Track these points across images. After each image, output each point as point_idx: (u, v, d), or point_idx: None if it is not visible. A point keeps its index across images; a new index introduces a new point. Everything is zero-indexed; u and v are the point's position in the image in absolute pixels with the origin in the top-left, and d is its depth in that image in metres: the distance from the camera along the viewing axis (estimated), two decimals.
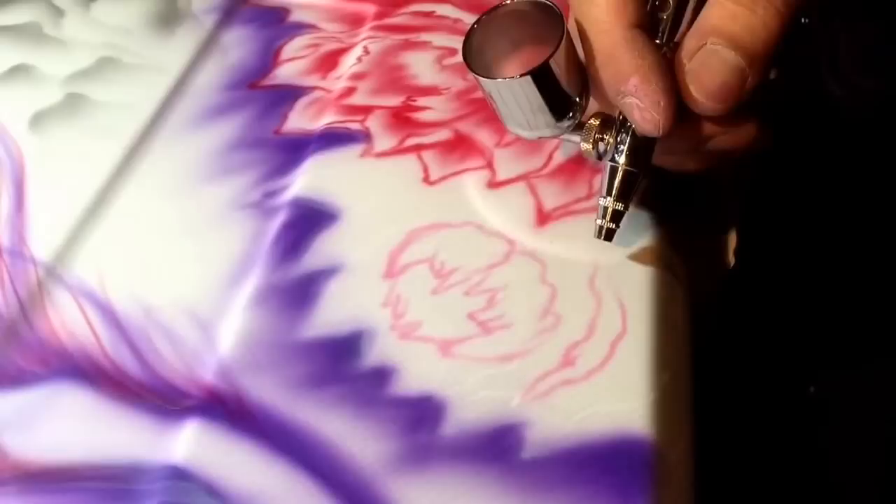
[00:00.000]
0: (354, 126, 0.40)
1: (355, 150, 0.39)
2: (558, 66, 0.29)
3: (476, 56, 0.30)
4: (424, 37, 0.45)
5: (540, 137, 0.32)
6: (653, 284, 0.33)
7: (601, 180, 0.32)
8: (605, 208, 0.31)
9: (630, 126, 0.30)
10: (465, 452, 0.29)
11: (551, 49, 0.28)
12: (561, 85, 0.29)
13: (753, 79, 0.28)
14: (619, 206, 0.31)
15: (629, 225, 0.35)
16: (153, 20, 0.48)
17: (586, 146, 0.31)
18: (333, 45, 0.46)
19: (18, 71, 0.45)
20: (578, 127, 0.31)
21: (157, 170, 0.40)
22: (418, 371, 0.31)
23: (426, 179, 0.38)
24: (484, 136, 0.39)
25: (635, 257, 0.34)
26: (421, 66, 0.43)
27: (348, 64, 0.44)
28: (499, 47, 0.31)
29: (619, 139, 0.31)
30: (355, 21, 0.47)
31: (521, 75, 0.29)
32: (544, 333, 0.32)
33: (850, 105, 0.44)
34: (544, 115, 0.30)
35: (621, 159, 0.30)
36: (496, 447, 0.29)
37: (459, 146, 0.39)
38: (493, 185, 0.37)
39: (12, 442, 0.31)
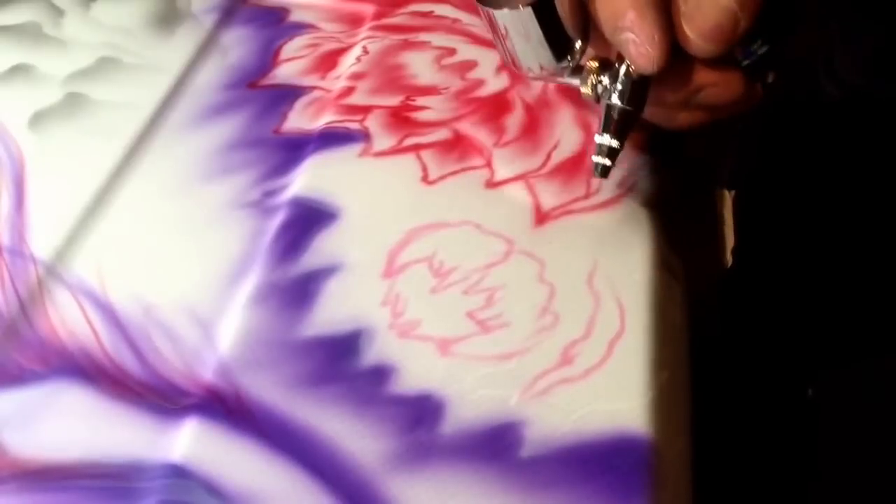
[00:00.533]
0: (353, 126, 0.40)
1: (354, 149, 0.39)
2: (561, 3, 0.31)
3: None
4: (423, 37, 0.45)
5: (538, 76, 0.34)
6: (651, 283, 0.33)
7: (599, 120, 0.33)
8: (601, 145, 0.33)
9: (627, 67, 0.31)
10: (463, 451, 0.29)
11: None
12: (561, 23, 0.31)
13: (745, 22, 0.29)
14: (615, 143, 0.32)
15: (627, 223, 0.35)
16: (153, 20, 0.48)
17: (585, 89, 0.33)
18: (333, 45, 0.46)
19: (18, 70, 0.45)
20: (577, 70, 0.33)
21: (156, 169, 0.40)
22: (417, 370, 0.31)
23: (425, 179, 0.38)
24: (483, 136, 0.39)
25: (634, 256, 0.34)
26: (420, 66, 0.44)
27: (347, 64, 0.44)
28: None
29: (615, 79, 0.32)
30: (354, 21, 0.48)
31: (524, 5, 0.30)
32: (543, 332, 0.32)
33: (847, 106, 0.44)
34: (545, 52, 0.32)
35: (617, 98, 0.32)
36: (495, 446, 0.29)
37: (458, 146, 0.39)
38: (492, 184, 0.37)
39: (12, 440, 0.31)
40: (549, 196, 0.37)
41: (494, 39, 0.33)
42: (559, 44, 0.32)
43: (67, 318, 0.34)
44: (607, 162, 0.33)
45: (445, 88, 0.42)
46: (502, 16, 0.31)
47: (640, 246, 0.35)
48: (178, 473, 0.29)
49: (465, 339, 0.32)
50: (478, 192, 0.37)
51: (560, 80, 0.34)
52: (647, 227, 0.35)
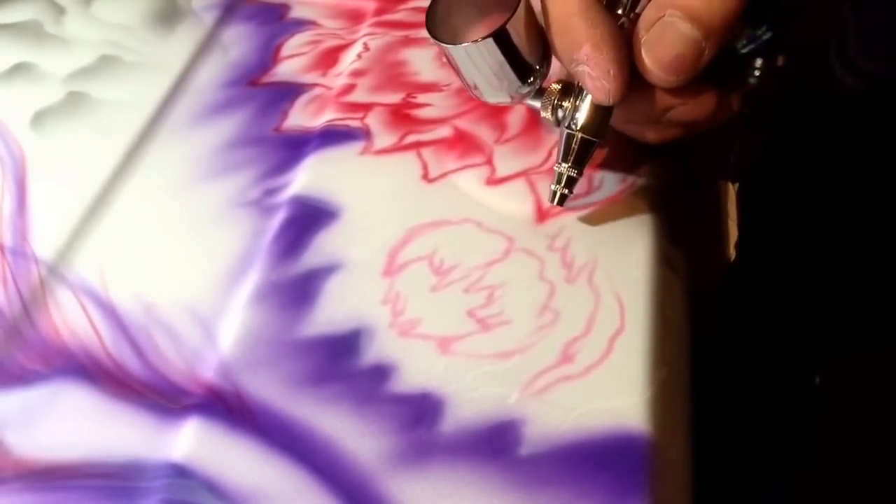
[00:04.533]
0: (354, 123, 0.40)
1: (355, 147, 0.39)
2: (516, 31, 0.30)
3: (441, 24, 0.32)
4: (424, 33, 0.45)
5: (501, 103, 0.34)
6: (651, 280, 0.33)
7: (558, 146, 0.33)
8: (560, 174, 0.33)
9: (587, 93, 0.31)
10: (463, 449, 0.29)
11: (509, 14, 0.30)
12: (519, 50, 0.31)
13: (710, 52, 0.29)
14: (573, 173, 0.32)
15: (627, 220, 0.35)
16: (153, 18, 0.48)
17: (545, 113, 0.33)
18: (333, 42, 0.46)
19: (20, 69, 0.45)
20: (540, 93, 0.33)
21: (157, 168, 0.40)
22: (417, 368, 0.31)
23: (425, 177, 0.38)
24: (483, 133, 0.39)
25: (633, 253, 0.34)
26: (421, 63, 0.43)
27: (348, 61, 0.44)
28: (464, 15, 0.32)
29: (576, 106, 0.32)
30: (355, 17, 0.47)
31: (480, 39, 0.30)
32: (543, 330, 0.32)
33: (858, 91, 0.44)
34: (504, 80, 0.32)
35: (577, 126, 0.32)
36: (495, 444, 0.29)
37: (459, 143, 0.39)
38: (493, 181, 0.37)
39: (15, 440, 0.31)
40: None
41: (454, 72, 0.33)
42: (520, 70, 0.31)
43: (69, 318, 0.35)
44: (566, 191, 0.33)
45: (447, 85, 0.42)
46: (461, 49, 0.30)
47: (640, 242, 0.34)
48: (180, 473, 0.29)
49: (465, 338, 0.32)
50: (478, 190, 0.37)
51: (524, 102, 0.33)
52: (648, 223, 0.35)
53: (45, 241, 0.37)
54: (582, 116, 0.31)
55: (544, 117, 0.33)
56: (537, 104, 0.33)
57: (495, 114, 0.40)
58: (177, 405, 0.32)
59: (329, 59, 0.45)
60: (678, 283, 0.35)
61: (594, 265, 0.34)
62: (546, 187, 0.37)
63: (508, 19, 0.29)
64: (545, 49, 0.32)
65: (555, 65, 0.33)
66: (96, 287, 0.36)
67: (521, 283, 0.34)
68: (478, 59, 0.31)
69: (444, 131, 0.40)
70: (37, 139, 0.42)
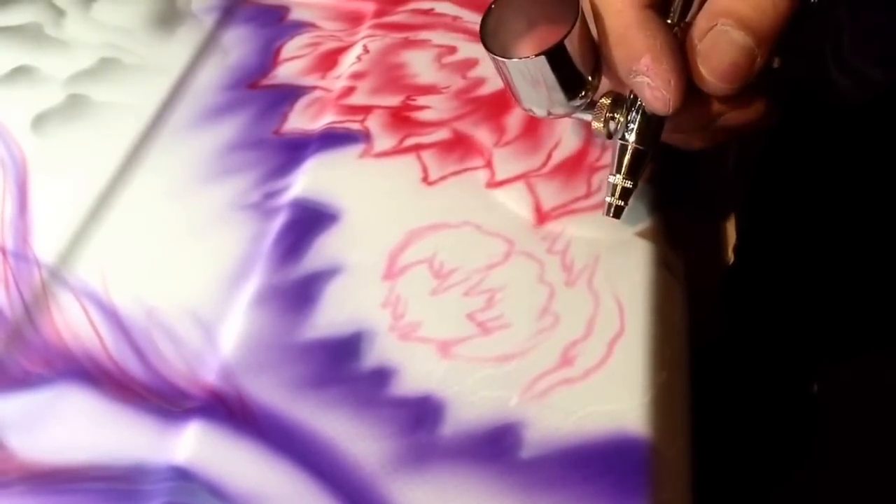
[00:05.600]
0: (354, 126, 0.40)
1: (355, 150, 0.39)
2: (572, 46, 0.30)
3: (492, 36, 0.31)
4: (423, 35, 0.45)
5: (552, 116, 0.33)
6: (650, 283, 0.33)
7: (611, 158, 0.32)
8: (615, 185, 0.32)
9: (640, 105, 0.31)
10: (463, 452, 0.29)
11: (566, 29, 0.29)
12: (574, 65, 0.30)
13: (762, 59, 0.28)
14: (628, 184, 0.32)
15: (626, 223, 0.35)
16: (153, 20, 0.48)
17: (597, 125, 0.32)
18: (333, 44, 0.46)
19: (20, 72, 0.45)
20: (590, 106, 0.32)
21: (157, 171, 0.40)
22: (418, 371, 0.32)
23: (425, 179, 0.38)
24: (483, 136, 0.39)
25: (633, 256, 0.34)
26: (420, 65, 0.44)
27: (348, 63, 0.44)
28: (515, 27, 0.32)
29: (629, 118, 0.31)
30: (355, 19, 0.48)
31: (536, 55, 0.29)
32: (543, 333, 0.32)
33: (855, 94, 0.44)
34: (557, 94, 0.31)
35: (631, 137, 0.31)
36: (495, 447, 0.29)
37: (458, 146, 0.39)
38: (492, 184, 0.37)
39: (18, 443, 0.31)
40: (550, 196, 0.37)
41: (505, 84, 0.32)
42: (572, 85, 0.31)
43: (71, 322, 0.35)
44: (621, 203, 0.32)
45: (446, 87, 0.42)
46: (514, 65, 0.30)
47: (639, 245, 0.35)
48: (182, 476, 0.30)
49: (465, 341, 0.32)
50: (478, 193, 0.37)
51: (573, 116, 0.33)
52: (647, 226, 0.35)
53: (46, 244, 0.37)
54: (636, 127, 0.31)
55: (596, 129, 0.32)
56: (587, 117, 0.32)
57: (494, 116, 0.40)
58: (179, 408, 0.32)
59: (328, 61, 0.45)
60: (677, 286, 0.35)
61: (594, 268, 0.34)
62: (545, 190, 0.37)
63: (565, 36, 0.29)
64: (597, 61, 0.31)
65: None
66: (98, 290, 0.36)
67: (521, 287, 0.34)
68: (531, 73, 0.30)
69: (443, 134, 0.40)
70: (37, 142, 0.42)
